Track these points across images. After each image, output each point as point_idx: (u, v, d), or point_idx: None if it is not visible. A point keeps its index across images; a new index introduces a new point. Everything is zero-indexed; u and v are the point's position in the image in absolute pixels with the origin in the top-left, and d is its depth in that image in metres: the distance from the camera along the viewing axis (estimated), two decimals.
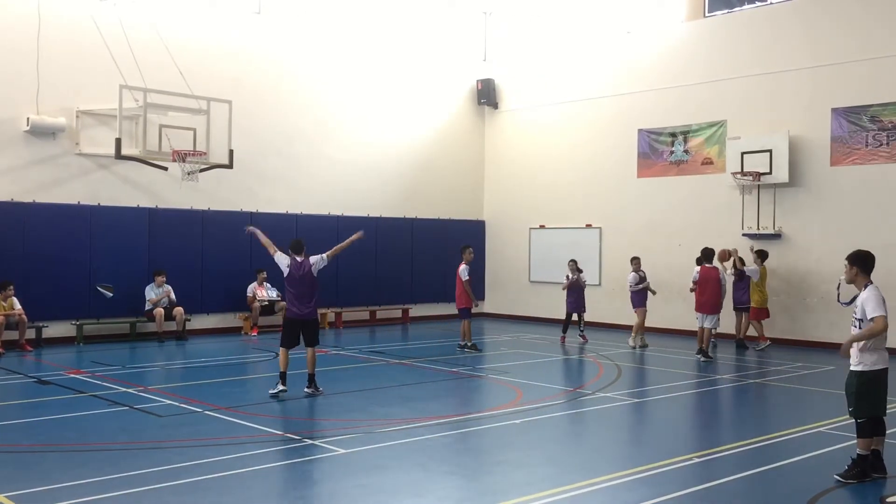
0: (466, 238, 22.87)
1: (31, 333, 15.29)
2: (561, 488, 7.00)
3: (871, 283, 7.40)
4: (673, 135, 19.30)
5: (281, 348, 11.00)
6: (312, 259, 11.08)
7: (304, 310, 10.92)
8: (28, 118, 15.56)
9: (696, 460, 7.96)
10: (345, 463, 7.78)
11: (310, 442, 8.41)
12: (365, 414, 9.93)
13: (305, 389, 10.82)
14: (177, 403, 10.37)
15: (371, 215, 20.85)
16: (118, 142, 15.34)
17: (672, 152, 19.32)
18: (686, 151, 19.08)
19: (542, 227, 21.96)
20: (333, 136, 20.23)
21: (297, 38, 19.56)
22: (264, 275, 18.28)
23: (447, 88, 22.62)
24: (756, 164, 17.25)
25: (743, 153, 17.50)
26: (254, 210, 18.73)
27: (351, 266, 19.95)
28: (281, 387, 10.67)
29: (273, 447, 8.36)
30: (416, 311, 21.62)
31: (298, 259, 11.03)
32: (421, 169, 21.99)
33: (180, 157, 15.88)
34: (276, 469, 7.58)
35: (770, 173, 17.11)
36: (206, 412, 9.80)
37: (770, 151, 17.12)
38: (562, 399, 11.08)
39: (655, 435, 9.65)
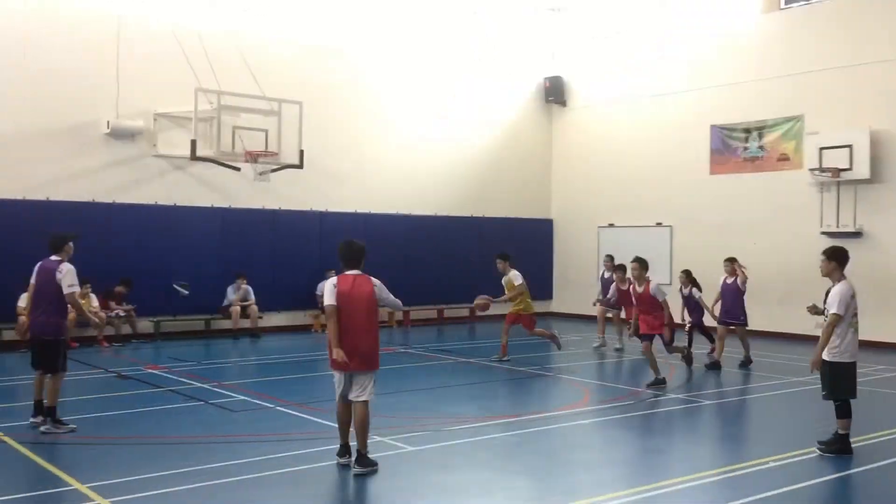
0: (534, 237, 22.82)
1: (109, 330, 15.82)
2: (631, 490, 6.90)
3: (845, 277, 8.06)
4: (747, 130, 18.83)
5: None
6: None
7: None
8: (108, 121, 16.08)
9: (773, 464, 7.74)
10: (414, 460, 7.82)
11: (378, 439, 8.47)
12: (433, 412, 9.96)
13: None
14: (250, 399, 10.58)
15: (439, 214, 20.92)
16: (193, 143, 15.75)
17: (746, 148, 18.85)
18: (761, 147, 18.59)
19: (610, 225, 21.69)
20: (401, 135, 20.35)
21: (365, 39, 19.73)
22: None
23: (515, 87, 22.53)
24: (835, 159, 16.69)
25: (821, 149, 16.95)
26: (324, 209, 18.98)
27: (419, 265, 20.08)
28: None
29: (334, 445, 8.44)
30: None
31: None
32: (488, 167, 21.96)
33: (252, 157, 16.22)
34: (343, 465, 7.65)
35: (850, 169, 16.54)
36: (278, 408, 9.97)
37: (850, 147, 16.54)
38: (630, 400, 10.92)
39: (727, 437, 9.43)
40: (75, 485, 6.76)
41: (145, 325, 16.58)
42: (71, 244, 8.98)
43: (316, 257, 18.62)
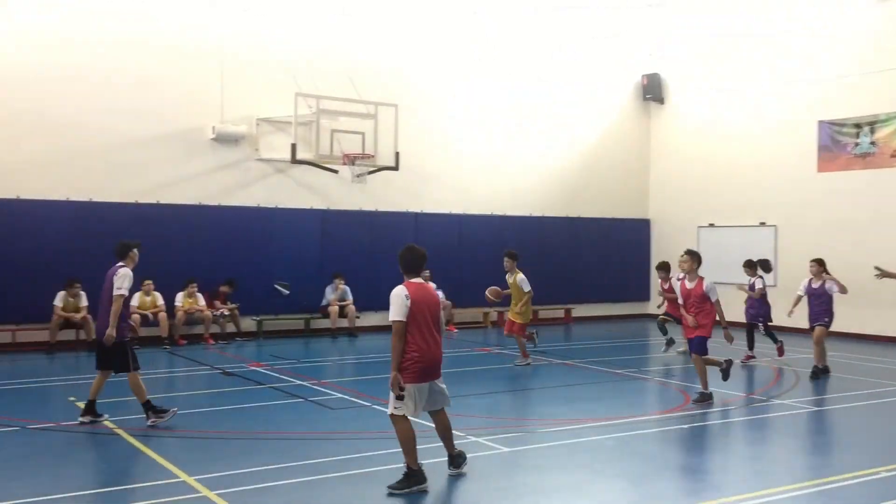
0: (631, 237, 22.42)
1: (214, 328, 16.42)
2: (730, 498, 6.70)
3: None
4: (858, 126, 18.00)
5: None
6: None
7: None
8: (213, 127, 16.70)
9: (884, 474, 7.37)
10: (509, 461, 7.81)
11: (473, 439, 8.50)
12: (528, 413, 9.93)
13: None
14: (348, 397, 10.79)
15: (533, 214, 20.83)
16: (293, 147, 16.21)
17: (857, 144, 18.03)
18: (873, 143, 17.74)
19: (711, 225, 21.11)
20: (496, 135, 20.36)
21: (458, 40, 19.82)
22: (427, 273, 18.68)
23: (611, 85, 22.21)
24: None
25: None
26: (419, 210, 19.18)
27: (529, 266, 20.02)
28: None
29: (438, 442, 8.51)
30: (580, 311, 21.36)
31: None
32: (584, 167, 21.73)
33: (350, 160, 16.56)
34: (442, 464, 7.70)
35: None
36: (375, 406, 10.12)
37: None
38: (732, 405, 10.60)
39: (835, 445, 9.04)
40: (183, 476, 7.04)
41: (248, 323, 17.12)
42: (136, 251, 9.29)
43: None
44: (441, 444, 7.28)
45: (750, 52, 20.24)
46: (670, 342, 14.83)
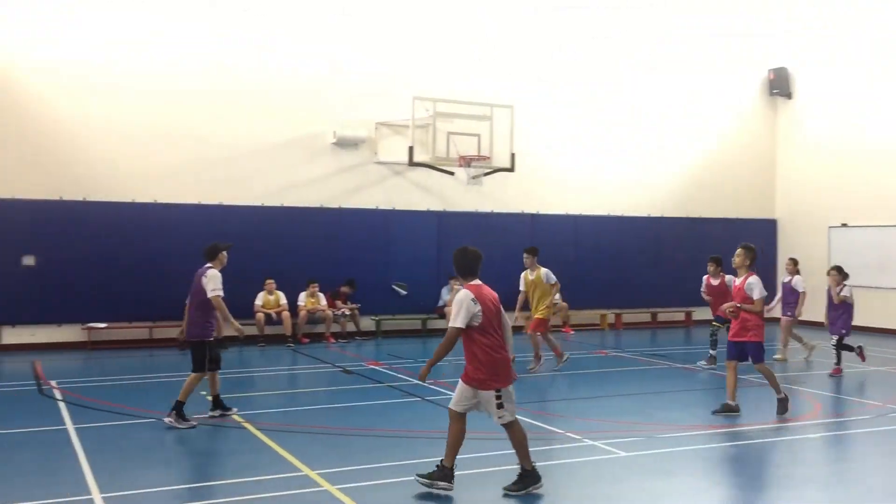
0: (756, 238, 21.54)
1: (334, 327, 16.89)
2: None
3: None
4: None
5: None
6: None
7: None
8: (334, 132, 17.18)
9: None
10: (626, 465, 7.68)
11: (590, 442, 8.41)
12: (645, 417, 9.73)
13: None
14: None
15: (651, 215, 20.38)
16: (411, 150, 16.49)
17: None
18: None
19: (843, 225, 20.06)
20: (612, 135, 20.03)
21: (573, 38, 19.63)
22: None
23: (736, 80, 21.44)
24: None
25: None
26: (534, 212, 19.11)
27: (631, 267, 19.69)
28: None
29: (553, 445, 8.47)
30: (700, 314, 20.73)
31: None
32: (705, 165, 21.08)
33: (466, 161, 16.68)
34: (556, 467, 7.66)
35: None
36: None
37: None
38: (868, 415, 10.04)
39: None
40: (306, 471, 7.28)
41: (367, 323, 17.51)
42: (224, 254, 9.47)
43: None
44: (522, 452, 6.85)
45: (886, 42, 19.11)
46: (712, 360, 13.63)
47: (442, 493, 6.65)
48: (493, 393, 6.58)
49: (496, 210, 18.76)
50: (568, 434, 8.84)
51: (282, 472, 7.31)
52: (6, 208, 14.83)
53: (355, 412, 10.11)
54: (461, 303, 6.53)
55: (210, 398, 9.62)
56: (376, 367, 13.37)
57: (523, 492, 6.69)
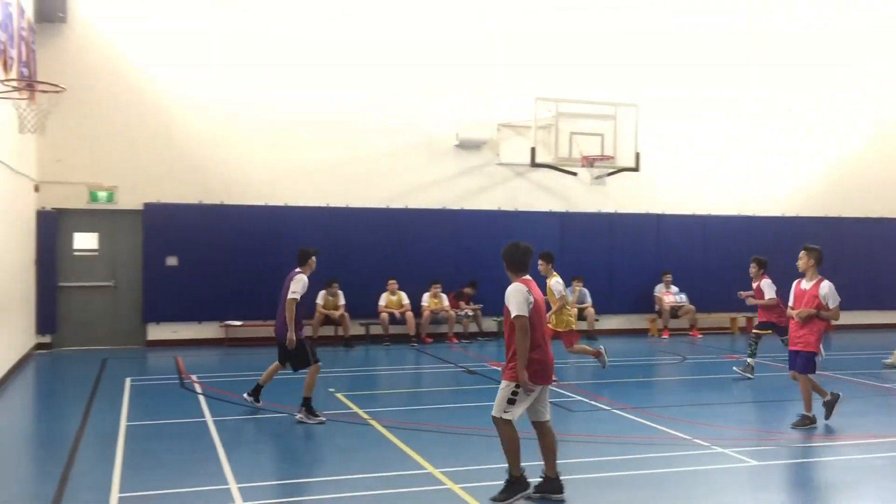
0: None
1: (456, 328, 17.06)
2: None
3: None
4: None
5: None
6: None
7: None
8: (457, 134, 17.36)
9: None
10: (757, 475, 7.40)
11: (719, 450, 8.14)
12: (780, 426, 9.33)
13: None
14: (586, 400, 10.75)
15: (787, 214, 19.51)
16: (533, 150, 16.46)
17: None
18: None
19: None
20: (743, 132, 19.31)
21: (701, 33, 19.04)
22: (669, 277, 18.22)
23: (881, 70, 20.17)
24: None
25: None
26: (659, 212, 18.68)
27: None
28: None
29: (679, 451, 8.25)
30: (845, 318, 19.66)
31: None
32: (850, 162, 19.97)
33: (589, 162, 16.49)
34: (682, 474, 7.47)
35: None
36: (614, 410, 10.01)
37: None
38: None
39: None
40: (430, 468, 7.39)
41: (489, 324, 17.59)
42: (314, 259, 9.70)
43: (653, 260, 18.41)
44: (513, 457, 6.62)
45: None
46: (748, 369, 12.44)
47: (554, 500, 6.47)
48: (512, 386, 6.40)
49: (620, 211, 18.45)
50: (695, 440, 8.59)
51: (406, 469, 7.45)
52: (153, 212, 15.78)
53: (478, 412, 10.16)
54: (516, 293, 6.45)
55: (259, 384, 9.82)
56: (498, 368, 13.40)
57: (512, 499, 6.44)
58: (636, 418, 9.62)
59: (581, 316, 17.53)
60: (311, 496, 6.63)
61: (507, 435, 6.45)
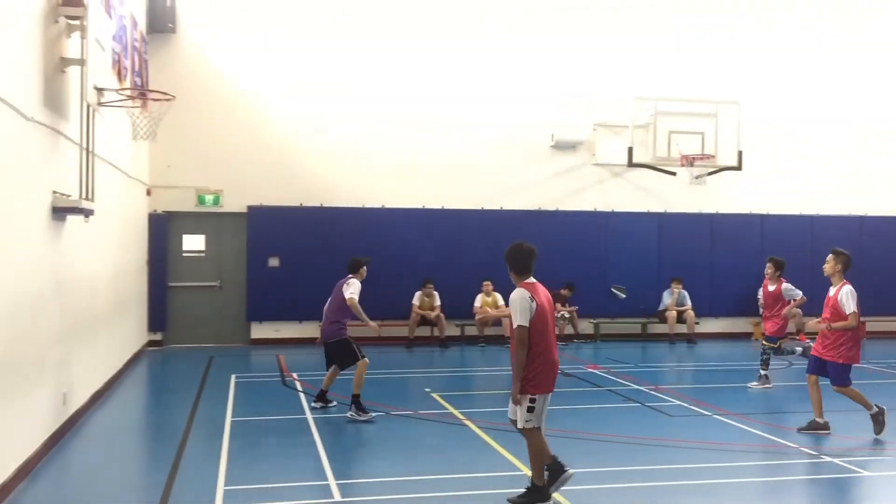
0: None
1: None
2: None
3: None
4: None
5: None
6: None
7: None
8: (552, 134, 17.25)
9: None
10: (870, 487, 7.08)
11: (828, 459, 7.83)
12: (894, 435, 8.89)
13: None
14: (686, 405, 10.51)
15: None
16: (630, 150, 16.19)
17: None
18: None
19: None
20: (853, 130, 18.49)
21: (807, 25, 18.33)
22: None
23: None
24: None
25: None
26: (763, 212, 18.10)
27: (880, 272, 18.04)
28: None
29: (784, 460, 7.98)
30: None
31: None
32: None
33: (689, 161, 16.11)
34: (787, 483, 7.22)
35: None
36: (715, 416, 9.76)
37: None
38: None
39: None
40: (525, 471, 7.36)
41: (585, 326, 17.41)
42: (365, 268, 10.18)
43: (756, 262, 17.78)
44: (536, 464, 6.42)
45: None
46: (764, 379, 11.85)
47: None
48: (528, 396, 6.24)
49: (721, 211, 17.96)
50: (802, 449, 8.29)
51: (501, 470, 7.46)
52: (256, 215, 16.30)
53: (573, 415, 10.08)
54: (518, 301, 6.27)
55: (322, 389, 10.07)
56: (595, 371, 13.26)
57: None
58: (739, 424, 9.34)
59: (680, 318, 17.17)
60: (406, 494, 6.72)
61: (536, 443, 6.33)
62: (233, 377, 12.29)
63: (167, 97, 10.02)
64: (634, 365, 14.11)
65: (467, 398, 11.22)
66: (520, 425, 6.36)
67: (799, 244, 18.00)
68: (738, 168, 16.40)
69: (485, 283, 16.61)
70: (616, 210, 17.63)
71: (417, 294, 16.21)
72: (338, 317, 9.93)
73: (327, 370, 10.10)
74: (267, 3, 16.34)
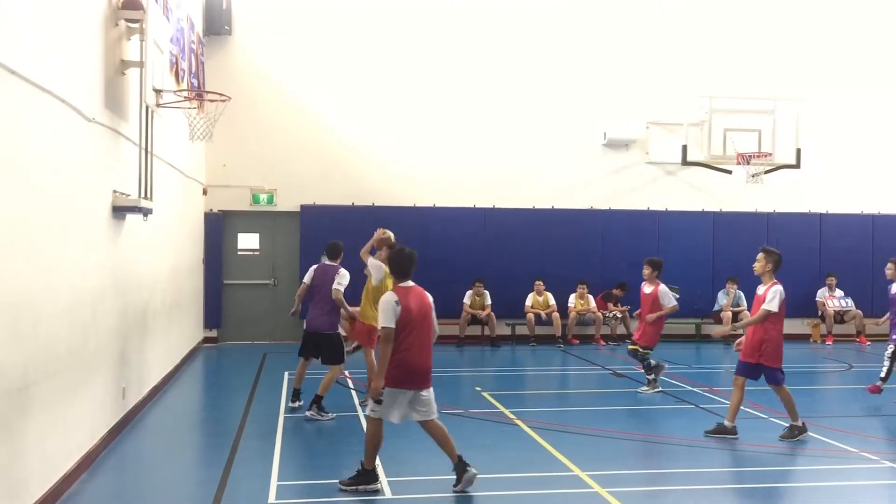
0: None
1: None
2: None
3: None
4: None
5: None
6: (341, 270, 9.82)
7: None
8: (605, 133, 17.10)
9: None
10: None
11: (889, 464, 7.62)
12: None
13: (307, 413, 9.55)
14: (742, 407, 10.30)
15: None
16: (684, 149, 15.96)
17: None
18: None
19: None
20: None
21: (867, 20, 17.84)
22: (833, 280, 17.20)
23: None
24: None
25: None
26: (823, 211, 17.69)
27: None
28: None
29: (845, 464, 7.79)
30: None
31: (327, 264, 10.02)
32: None
33: (745, 159, 15.82)
34: (848, 489, 7.04)
35: None
36: (772, 419, 9.56)
37: None
38: None
39: None
40: (576, 471, 7.33)
41: (637, 325, 17.19)
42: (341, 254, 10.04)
43: (815, 262, 17.45)
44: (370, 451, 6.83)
45: None
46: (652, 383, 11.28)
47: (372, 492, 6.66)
48: (398, 391, 6.72)
49: (779, 210, 17.59)
50: (862, 453, 8.08)
51: (553, 470, 7.43)
52: (309, 213, 16.48)
53: (625, 416, 10.00)
54: (384, 304, 6.75)
55: (296, 388, 10.03)
56: (643, 372, 13.08)
57: (354, 487, 6.70)
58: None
59: (736, 319, 16.84)
60: (457, 493, 6.73)
61: (370, 431, 6.87)
62: (286, 374, 12.44)
63: (223, 98, 10.19)
64: (688, 366, 13.91)
65: (518, 398, 11.18)
66: (366, 412, 6.97)
67: (859, 244, 17.57)
68: (797, 166, 16.06)
69: (537, 282, 16.54)
70: (670, 209, 17.40)
71: (468, 293, 16.22)
72: (335, 309, 9.91)
73: (302, 359, 10.00)
74: (321, 6, 16.51)
